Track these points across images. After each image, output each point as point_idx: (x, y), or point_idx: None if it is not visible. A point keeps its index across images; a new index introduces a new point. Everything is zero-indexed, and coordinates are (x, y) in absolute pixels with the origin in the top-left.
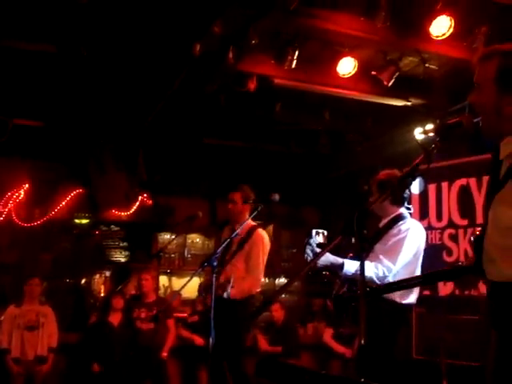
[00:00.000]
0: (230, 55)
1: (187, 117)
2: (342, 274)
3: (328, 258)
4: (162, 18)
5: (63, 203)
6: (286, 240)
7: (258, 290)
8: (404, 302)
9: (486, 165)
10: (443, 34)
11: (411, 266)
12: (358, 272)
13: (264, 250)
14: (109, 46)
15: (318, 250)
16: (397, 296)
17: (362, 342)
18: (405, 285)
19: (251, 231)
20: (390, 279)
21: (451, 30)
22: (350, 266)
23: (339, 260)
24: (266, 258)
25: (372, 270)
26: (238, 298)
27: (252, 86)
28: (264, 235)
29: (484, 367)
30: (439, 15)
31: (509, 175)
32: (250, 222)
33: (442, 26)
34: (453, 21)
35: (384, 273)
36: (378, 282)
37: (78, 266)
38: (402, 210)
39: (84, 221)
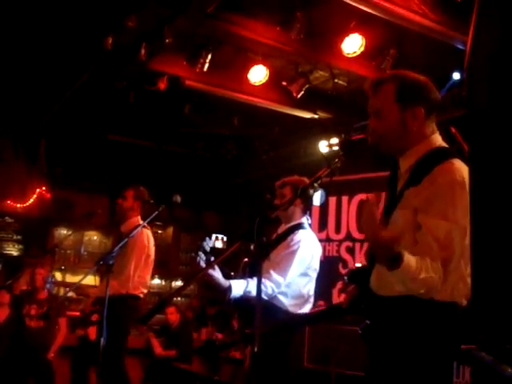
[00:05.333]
0: (142, 52)
1: (94, 111)
2: (228, 298)
3: (218, 278)
4: (76, 6)
5: None
6: (185, 243)
7: (133, 291)
8: (298, 311)
9: (385, 181)
10: (354, 52)
11: (306, 277)
12: (246, 292)
13: (138, 248)
14: (15, 28)
15: (212, 258)
16: (290, 306)
17: (255, 349)
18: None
19: (133, 229)
20: (283, 290)
21: (362, 49)
22: (238, 288)
23: (226, 283)
24: (144, 256)
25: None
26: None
27: (162, 85)
28: (144, 233)
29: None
30: (352, 33)
31: (405, 188)
32: (139, 221)
33: (353, 44)
34: (364, 40)
35: (273, 289)
36: (266, 298)
37: None
38: (303, 220)
39: None
